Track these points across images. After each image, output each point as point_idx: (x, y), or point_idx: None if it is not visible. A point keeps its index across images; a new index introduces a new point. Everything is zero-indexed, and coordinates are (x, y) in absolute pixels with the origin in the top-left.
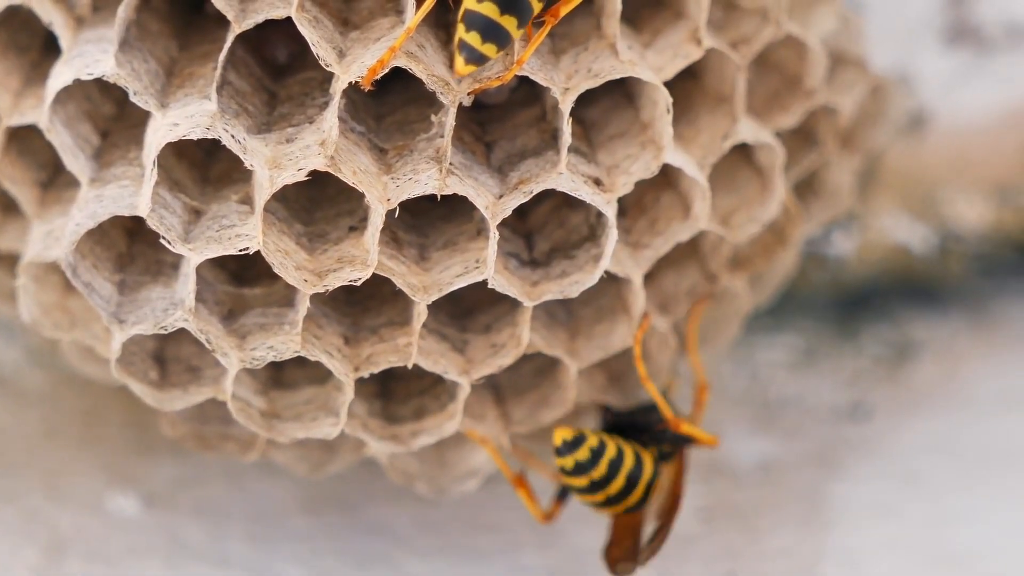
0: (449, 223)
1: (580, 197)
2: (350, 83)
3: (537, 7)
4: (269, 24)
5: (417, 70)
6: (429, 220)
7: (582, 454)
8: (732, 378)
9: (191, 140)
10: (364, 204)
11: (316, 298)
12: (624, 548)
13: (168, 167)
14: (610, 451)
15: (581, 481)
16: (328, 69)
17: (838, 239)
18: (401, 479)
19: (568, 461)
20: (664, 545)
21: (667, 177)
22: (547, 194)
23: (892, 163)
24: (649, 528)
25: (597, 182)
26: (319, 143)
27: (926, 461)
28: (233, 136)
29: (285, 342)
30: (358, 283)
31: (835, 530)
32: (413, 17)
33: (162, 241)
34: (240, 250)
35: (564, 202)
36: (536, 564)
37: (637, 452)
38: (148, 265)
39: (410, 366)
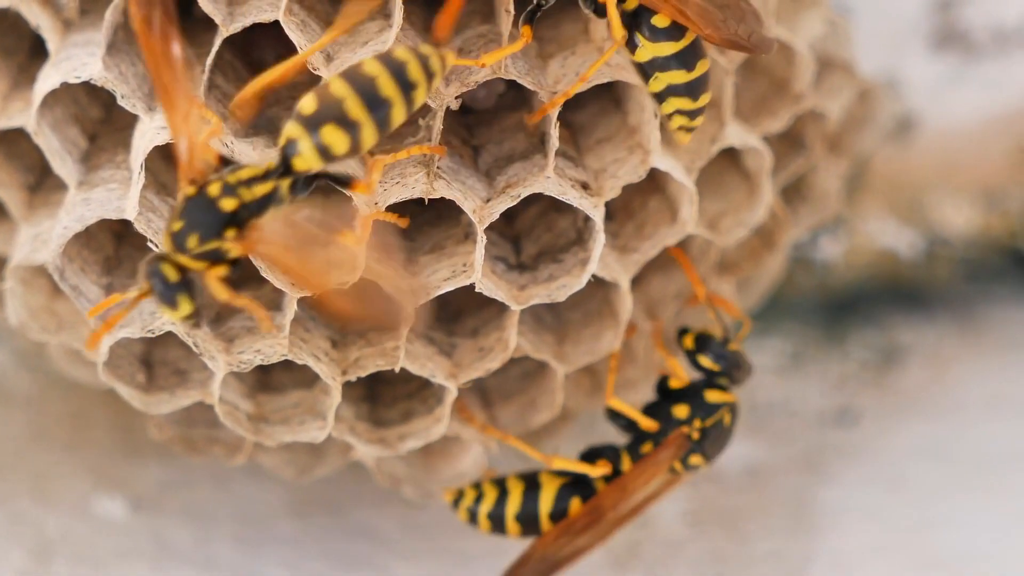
0: (436, 227)
1: (567, 201)
2: None
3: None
4: (256, 28)
5: None
6: (416, 224)
7: (462, 515)
8: None
9: None
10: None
11: (303, 302)
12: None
13: (155, 170)
14: (486, 504)
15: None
16: (316, 73)
17: (825, 243)
18: (388, 482)
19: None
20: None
21: (655, 181)
22: (535, 198)
23: (879, 167)
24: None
25: (584, 186)
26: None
27: (913, 465)
28: (220, 139)
29: (272, 345)
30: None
31: (822, 535)
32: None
33: (149, 244)
34: None
35: (552, 206)
36: None
37: (528, 488)
38: (136, 268)
39: (397, 370)
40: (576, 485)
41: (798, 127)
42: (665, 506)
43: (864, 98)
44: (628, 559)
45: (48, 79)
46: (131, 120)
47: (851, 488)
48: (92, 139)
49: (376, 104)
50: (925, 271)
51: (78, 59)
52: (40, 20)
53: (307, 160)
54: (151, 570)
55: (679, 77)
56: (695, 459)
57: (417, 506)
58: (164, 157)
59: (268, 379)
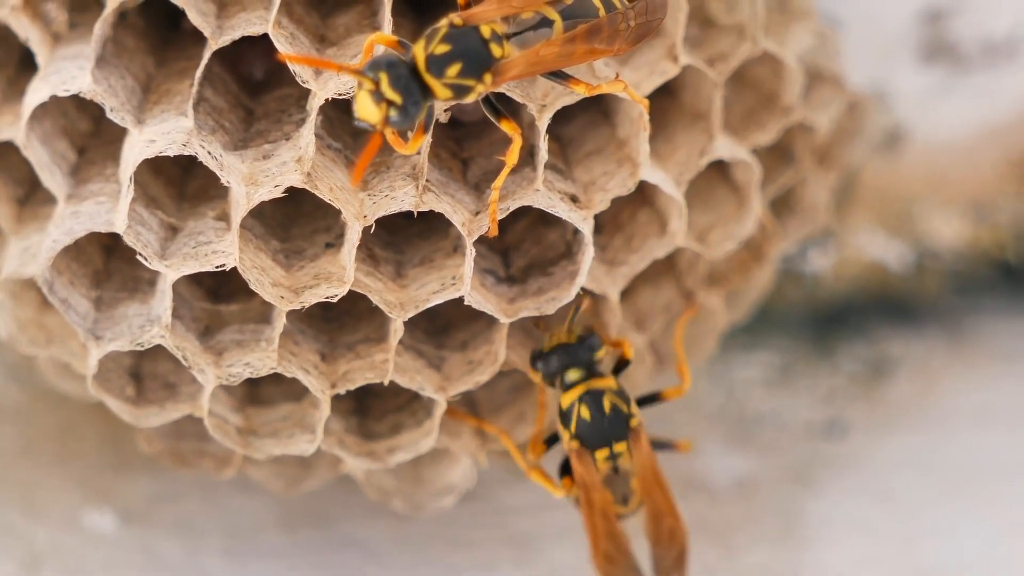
0: (426, 240)
1: (556, 214)
2: (326, 100)
3: None
4: (245, 41)
5: None
6: (406, 237)
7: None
8: (708, 395)
9: (168, 157)
10: (341, 221)
11: (292, 315)
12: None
13: (145, 184)
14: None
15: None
16: (305, 86)
17: (814, 256)
18: (377, 495)
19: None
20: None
21: (644, 194)
22: (524, 211)
23: (868, 180)
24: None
25: (574, 199)
26: (296, 160)
27: (901, 477)
28: (210, 152)
29: (262, 359)
30: (334, 300)
31: (811, 546)
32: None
33: (139, 258)
34: (217, 267)
35: (541, 219)
36: None
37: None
38: (125, 281)
39: (386, 383)
40: None
41: (787, 139)
42: None
43: (853, 110)
44: None
45: (37, 92)
46: (120, 133)
47: (839, 500)
48: (81, 152)
49: None
50: (914, 283)
51: (67, 72)
52: (29, 33)
53: None
54: None
55: None
56: (600, 453)
57: (406, 519)
58: (153, 170)
59: (257, 392)
